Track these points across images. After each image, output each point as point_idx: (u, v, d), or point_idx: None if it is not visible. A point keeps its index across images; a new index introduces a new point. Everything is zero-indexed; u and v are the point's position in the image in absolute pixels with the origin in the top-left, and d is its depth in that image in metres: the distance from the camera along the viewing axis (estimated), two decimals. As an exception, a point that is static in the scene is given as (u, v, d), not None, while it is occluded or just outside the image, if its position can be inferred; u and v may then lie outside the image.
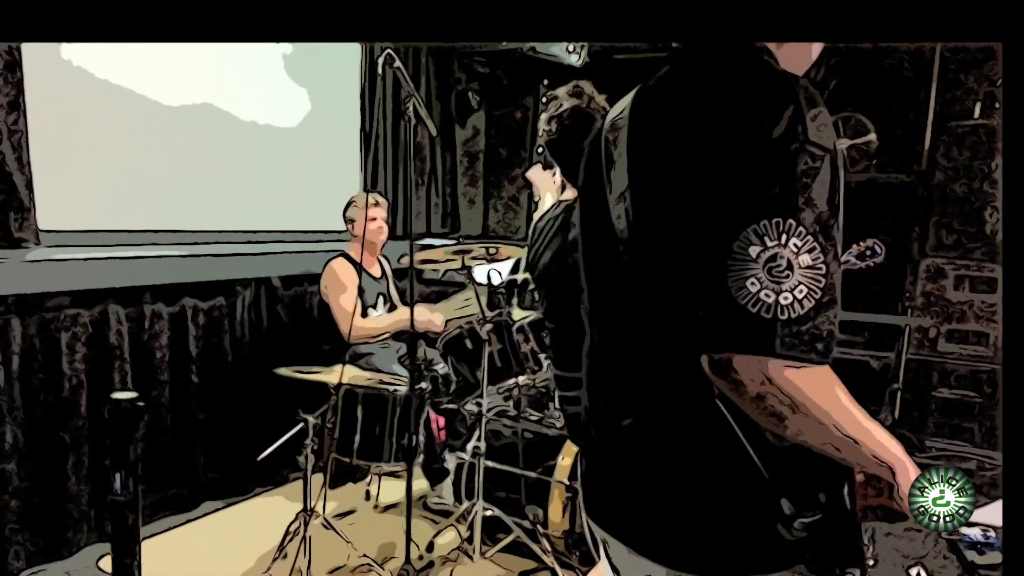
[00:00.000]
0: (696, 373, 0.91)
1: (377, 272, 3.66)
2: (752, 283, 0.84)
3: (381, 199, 3.64)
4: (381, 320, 3.50)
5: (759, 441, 0.94)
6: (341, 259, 3.47)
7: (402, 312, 3.56)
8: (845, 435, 0.87)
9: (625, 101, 1.12)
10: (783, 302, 0.83)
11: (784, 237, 0.84)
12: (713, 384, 0.90)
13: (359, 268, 3.40)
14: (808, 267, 0.84)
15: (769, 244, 0.84)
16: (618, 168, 1.07)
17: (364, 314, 3.45)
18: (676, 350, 0.96)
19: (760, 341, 0.83)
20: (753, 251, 0.84)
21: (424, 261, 2.97)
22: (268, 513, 3.28)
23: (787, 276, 0.83)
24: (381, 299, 3.62)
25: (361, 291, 3.41)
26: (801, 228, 0.84)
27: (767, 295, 0.83)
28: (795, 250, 0.83)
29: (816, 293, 0.84)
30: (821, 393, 0.86)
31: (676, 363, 0.97)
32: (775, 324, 0.83)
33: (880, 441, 0.90)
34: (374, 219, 3.51)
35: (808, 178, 0.85)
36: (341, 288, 3.39)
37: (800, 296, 0.83)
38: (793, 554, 0.96)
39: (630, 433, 1.07)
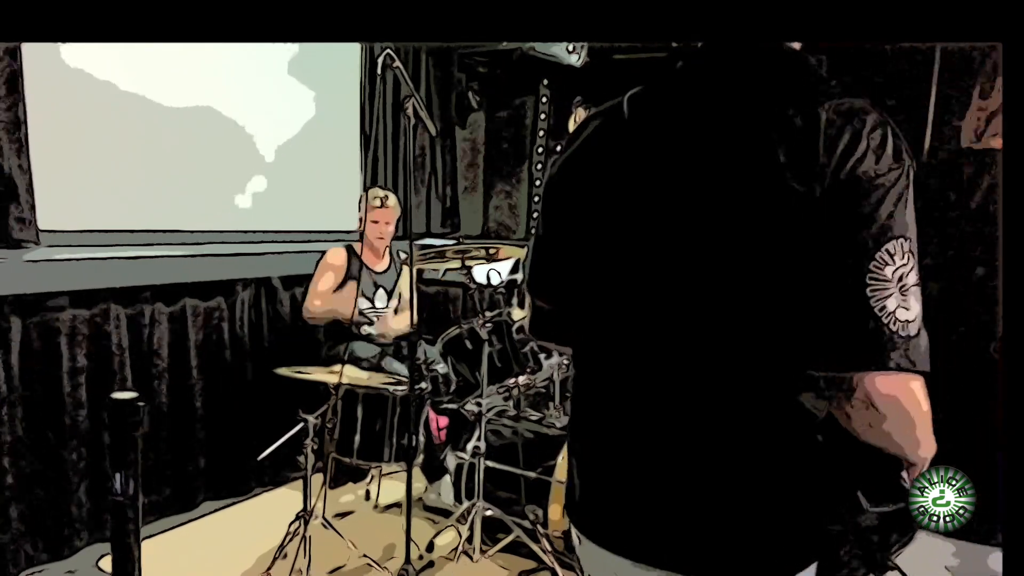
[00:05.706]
0: (783, 385, 0.93)
1: (382, 266, 3.60)
2: (891, 302, 0.86)
3: (392, 202, 3.50)
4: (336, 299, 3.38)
5: (843, 443, 0.96)
6: (338, 248, 3.47)
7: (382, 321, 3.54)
8: (924, 438, 0.92)
9: (679, 103, 1.02)
10: (910, 319, 0.87)
11: (908, 256, 0.87)
12: (795, 394, 0.92)
13: (359, 260, 3.35)
14: (915, 284, 0.87)
15: (899, 263, 0.86)
16: (682, 182, 0.98)
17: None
18: (763, 365, 0.94)
19: (904, 358, 0.86)
20: (889, 271, 0.86)
21: (423, 255, 2.95)
22: (268, 513, 3.28)
23: (908, 294, 0.87)
24: (382, 291, 3.58)
25: (349, 278, 3.40)
26: (913, 246, 0.88)
27: (901, 313, 0.86)
28: (910, 268, 0.87)
29: (921, 309, 0.88)
30: (926, 402, 0.90)
31: (761, 378, 0.94)
32: (908, 340, 0.86)
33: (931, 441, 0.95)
34: (376, 222, 3.45)
35: (908, 194, 0.88)
36: (319, 272, 3.43)
37: (917, 313, 0.87)
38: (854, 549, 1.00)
39: (697, 451, 0.98)
